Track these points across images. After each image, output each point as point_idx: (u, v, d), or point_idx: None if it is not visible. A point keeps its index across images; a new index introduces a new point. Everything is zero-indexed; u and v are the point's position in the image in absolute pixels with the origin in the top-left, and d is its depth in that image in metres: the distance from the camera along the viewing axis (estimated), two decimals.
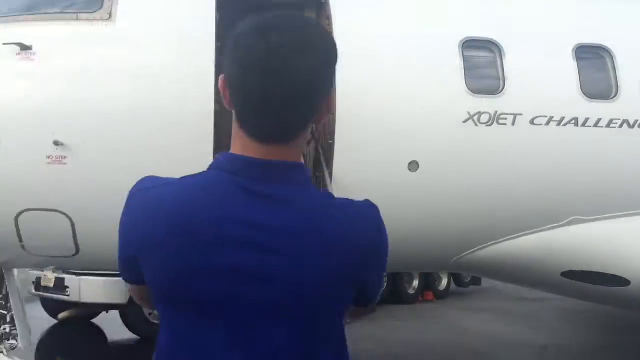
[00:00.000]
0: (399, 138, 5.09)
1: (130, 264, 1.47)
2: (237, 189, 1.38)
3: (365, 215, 1.47)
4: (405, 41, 5.23)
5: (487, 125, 5.20)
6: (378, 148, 5.05)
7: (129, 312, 9.39)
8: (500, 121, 5.22)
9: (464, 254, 5.70)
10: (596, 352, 8.90)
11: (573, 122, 5.35)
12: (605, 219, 5.60)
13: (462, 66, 5.24)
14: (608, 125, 5.39)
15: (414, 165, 5.10)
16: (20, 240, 5.05)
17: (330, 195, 1.48)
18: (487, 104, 5.21)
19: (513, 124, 5.25)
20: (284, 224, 1.37)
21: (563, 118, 5.32)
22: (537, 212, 5.59)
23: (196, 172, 1.46)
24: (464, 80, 5.22)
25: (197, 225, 1.36)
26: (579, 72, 5.44)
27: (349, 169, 5.03)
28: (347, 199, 1.47)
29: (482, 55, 5.37)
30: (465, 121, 5.17)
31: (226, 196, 1.38)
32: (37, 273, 8.79)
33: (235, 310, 1.38)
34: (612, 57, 5.56)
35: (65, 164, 4.79)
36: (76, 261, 5.39)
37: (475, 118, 5.18)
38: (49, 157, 4.78)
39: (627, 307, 6.95)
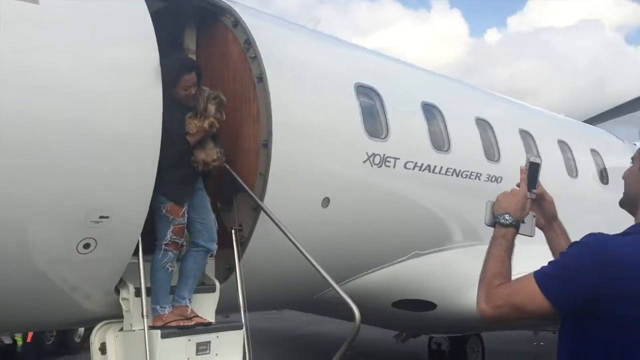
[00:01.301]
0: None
1: (577, 295, 1.90)
2: None
3: None
4: None
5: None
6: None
7: None
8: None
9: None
10: None
11: (427, 168, 6.16)
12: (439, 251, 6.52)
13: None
14: (445, 173, 6.35)
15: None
16: None
17: None
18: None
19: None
20: None
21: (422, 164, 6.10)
22: (390, 248, 6.18)
23: None
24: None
25: None
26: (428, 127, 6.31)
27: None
28: None
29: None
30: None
31: None
32: None
33: None
34: (442, 115, 6.61)
35: None
36: None
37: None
38: None
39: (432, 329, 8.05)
